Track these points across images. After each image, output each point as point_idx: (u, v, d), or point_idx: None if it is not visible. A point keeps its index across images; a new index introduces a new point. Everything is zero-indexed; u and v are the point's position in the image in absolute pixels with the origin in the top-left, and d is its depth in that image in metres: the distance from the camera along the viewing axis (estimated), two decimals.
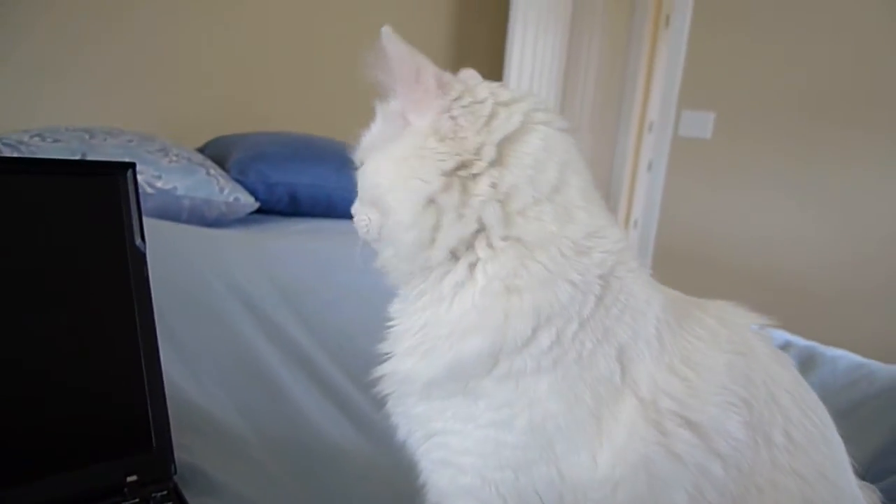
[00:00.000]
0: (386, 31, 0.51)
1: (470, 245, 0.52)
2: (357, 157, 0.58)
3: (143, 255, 0.68)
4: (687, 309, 0.55)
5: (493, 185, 0.50)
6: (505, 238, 0.51)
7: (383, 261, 0.57)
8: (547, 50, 3.54)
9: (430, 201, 0.50)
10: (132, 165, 0.70)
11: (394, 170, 0.52)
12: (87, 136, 1.52)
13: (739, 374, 0.51)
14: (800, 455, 0.51)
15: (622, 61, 4.13)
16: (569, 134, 0.55)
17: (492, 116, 0.52)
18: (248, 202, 1.66)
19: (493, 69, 3.36)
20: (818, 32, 2.42)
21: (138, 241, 0.69)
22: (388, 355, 0.56)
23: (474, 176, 0.51)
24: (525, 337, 0.49)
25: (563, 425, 0.49)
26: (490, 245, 0.51)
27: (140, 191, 0.70)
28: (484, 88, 0.54)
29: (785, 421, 0.51)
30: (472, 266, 0.52)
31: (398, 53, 0.51)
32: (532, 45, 3.41)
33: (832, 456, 0.53)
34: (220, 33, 2.30)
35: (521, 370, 0.49)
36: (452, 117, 0.51)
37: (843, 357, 1.17)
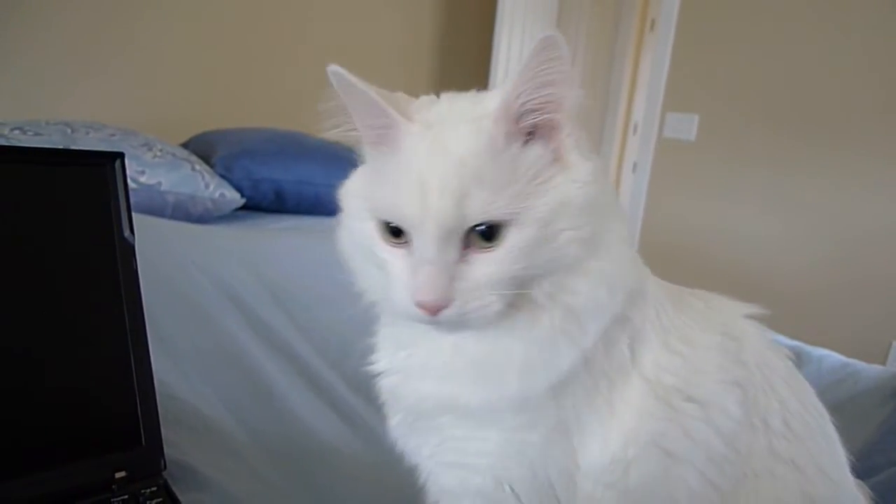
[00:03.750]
0: None
1: None
2: None
3: (132, 248, 0.67)
4: (679, 294, 0.56)
5: None
6: None
7: None
8: None
9: None
10: (121, 155, 0.68)
11: None
12: (68, 130, 1.50)
13: (732, 356, 0.51)
14: (798, 445, 0.50)
15: (608, 64, 4.16)
16: None
17: None
18: (234, 198, 1.64)
19: (480, 71, 3.36)
20: (800, 39, 2.45)
21: (127, 232, 0.67)
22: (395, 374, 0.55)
23: None
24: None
25: (584, 417, 0.49)
26: None
27: None
28: None
29: (782, 409, 0.51)
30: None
31: None
32: (518, 47, 3.41)
33: (830, 451, 0.53)
34: (204, 27, 2.27)
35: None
36: None
37: (829, 356, 1.19)
